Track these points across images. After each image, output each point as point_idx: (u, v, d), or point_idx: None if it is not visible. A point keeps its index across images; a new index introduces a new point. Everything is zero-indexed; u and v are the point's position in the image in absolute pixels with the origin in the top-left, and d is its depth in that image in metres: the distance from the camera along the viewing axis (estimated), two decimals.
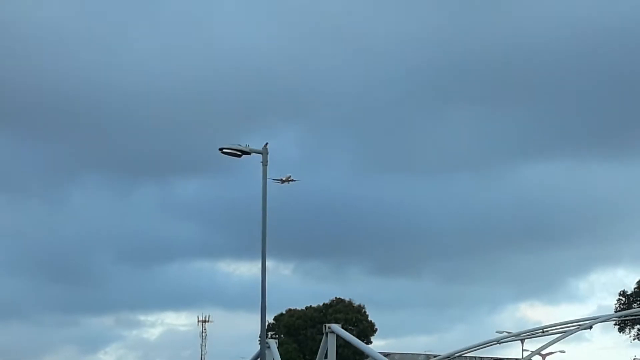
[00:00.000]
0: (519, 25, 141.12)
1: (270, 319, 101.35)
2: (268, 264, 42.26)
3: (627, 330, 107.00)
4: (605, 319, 61.50)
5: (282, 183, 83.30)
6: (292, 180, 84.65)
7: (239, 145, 41.38)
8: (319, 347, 56.17)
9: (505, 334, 65.16)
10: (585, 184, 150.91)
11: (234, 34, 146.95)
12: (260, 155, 41.95)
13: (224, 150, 41.45)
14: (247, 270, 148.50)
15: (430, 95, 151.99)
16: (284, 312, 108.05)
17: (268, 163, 41.98)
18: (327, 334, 53.57)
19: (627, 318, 58.45)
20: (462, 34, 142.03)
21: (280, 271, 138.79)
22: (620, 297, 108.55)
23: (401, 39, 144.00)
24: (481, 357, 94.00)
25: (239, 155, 41.52)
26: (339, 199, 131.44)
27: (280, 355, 57.08)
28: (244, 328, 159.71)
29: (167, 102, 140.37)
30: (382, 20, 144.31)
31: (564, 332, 52.48)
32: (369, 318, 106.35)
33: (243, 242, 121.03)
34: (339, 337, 54.13)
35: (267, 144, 41.96)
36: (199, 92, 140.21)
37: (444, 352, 62.21)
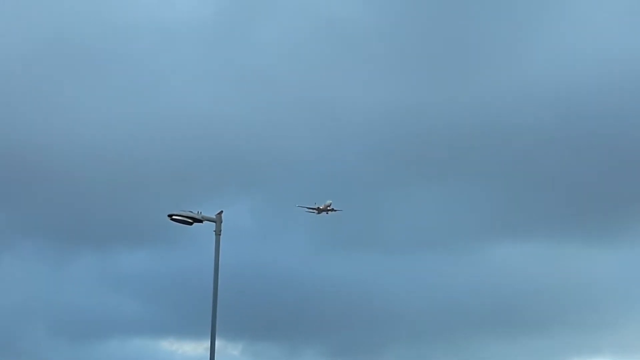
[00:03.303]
0: (492, 95, 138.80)
1: None
2: (215, 343, 40.76)
3: None
4: None
5: (319, 213, 77.03)
6: (333, 209, 78.03)
7: (190, 212, 39.92)
8: None
9: None
10: (562, 268, 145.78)
11: (187, 97, 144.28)
12: (214, 224, 40.36)
13: (174, 217, 39.94)
14: (191, 349, 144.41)
15: (395, 169, 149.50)
16: None
17: (222, 232, 40.43)
18: None
19: None
20: (428, 108, 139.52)
21: (228, 351, 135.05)
22: None
23: (363, 113, 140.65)
24: None
25: (190, 223, 40.12)
26: (295, 274, 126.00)
27: None
28: None
29: (112, 166, 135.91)
30: (344, 94, 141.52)
31: None
32: None
33: (189, 318, 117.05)
34: None
35: (221, 211, 40.45)
36: (147, 156, 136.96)
37: None
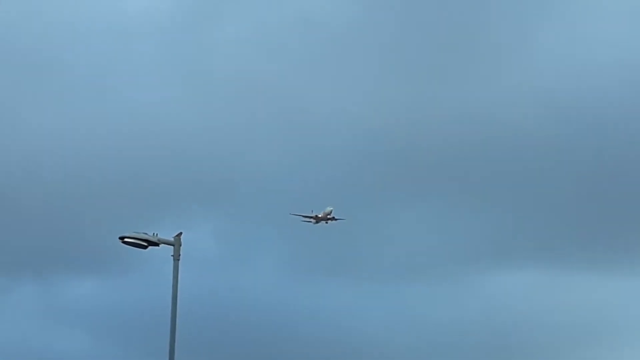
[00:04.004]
0: (488, 109, 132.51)
1: None
2: None
3: None
4: None
5: (317, 223, 71.66)
6: (334, 218, 72.44)
7: (145, 234, 37.82)
8: None
9: None
10: (565, 299, 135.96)
11: (141, 104, 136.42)
12: (171, 248, 38.13)
13: (126, 240, 37.73)
14: None
15: (378, 188, 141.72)
16: None
17: (181, 257, 38.12)
18: None
19: None
20: (418, 120, 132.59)
21: None
22: None
23: (346, 124, 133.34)
24: None
25: (145, 247, 38.09)
26: (265, 305, 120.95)
27: None
28: None
29: (53, 181, 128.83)
30: (323, 102, 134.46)
31: None
32: None
33: (143, 355, 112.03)
34: None
35: (180, 233, 38.28)
36: (94, 170, 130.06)
37: None
